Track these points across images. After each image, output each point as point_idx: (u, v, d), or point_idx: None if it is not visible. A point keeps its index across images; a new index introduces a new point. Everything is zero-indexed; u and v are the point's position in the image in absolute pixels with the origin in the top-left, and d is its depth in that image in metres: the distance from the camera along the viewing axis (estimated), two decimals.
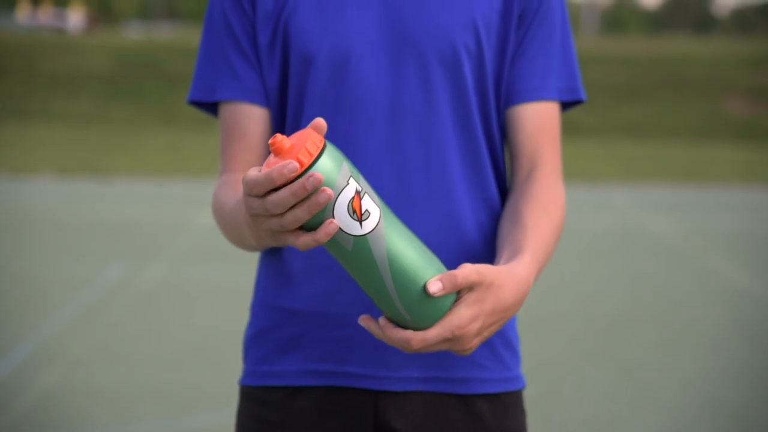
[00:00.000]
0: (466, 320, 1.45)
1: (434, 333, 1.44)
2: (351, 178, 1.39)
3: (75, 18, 58.72)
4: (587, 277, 8.72)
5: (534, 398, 5.29)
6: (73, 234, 10.19)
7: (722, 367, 6.03)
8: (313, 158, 1.36)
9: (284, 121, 1.77)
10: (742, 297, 7.99)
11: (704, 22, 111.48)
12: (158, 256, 9.05)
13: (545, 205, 1.69)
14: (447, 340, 1.45)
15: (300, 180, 1.34)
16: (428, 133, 1.69)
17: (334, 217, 1.38)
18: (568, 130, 23.77)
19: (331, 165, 1.37)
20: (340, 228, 1.39)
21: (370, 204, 1.40)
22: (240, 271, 7.89)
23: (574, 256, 9.44)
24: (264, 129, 1.77)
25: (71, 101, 27.25)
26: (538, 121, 1.75)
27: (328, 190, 1.35)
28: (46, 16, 59.17)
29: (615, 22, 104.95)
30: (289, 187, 1.34)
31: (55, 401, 5.17)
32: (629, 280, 8.59)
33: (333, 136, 1.69)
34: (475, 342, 1.48)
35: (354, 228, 1.40)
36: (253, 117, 1.76)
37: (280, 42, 1.72)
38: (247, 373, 1.79)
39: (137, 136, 22.62)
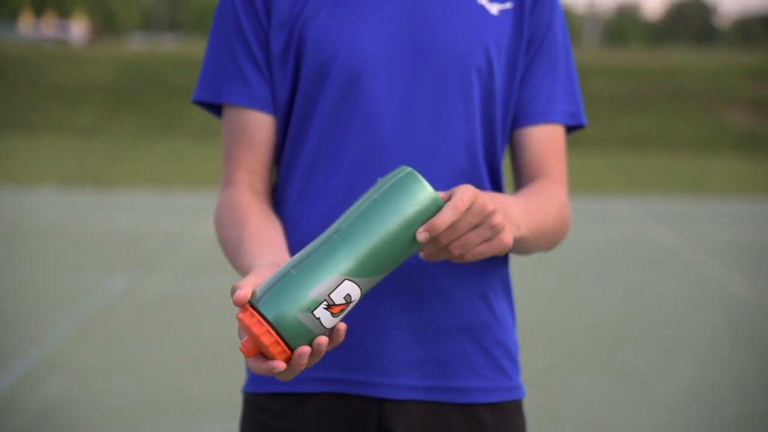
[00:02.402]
0: (469, 188, 1.50)
1: (461, 197, 1.47)
2: (312, 312, 1.41)
3: (78, 29, 58.82)
4: (589, 287, 8.71)
5: (535, 405, 5.29)
6: (76, 244, 10.20)
7: (721, 375, 6.03)
8: (283, 346, 1.40)
9: (287, 129, 1.78)
10: (742, 307, 7.99)
11: (706, 34, 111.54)
12: (161, 266, 9.06)
13: (543, 195, 1.74)
14: (472, 202, 1.48)
15: (293, 363, 1.41)
16: (435, 151, 1.72)
17: (335, 326, 1.44)
18: (571, 142, 23.64)
19: (298, 330, 1.41)
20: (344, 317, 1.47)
21: (342, 289, 1.43)
22: None
23: (576, 265, 9.44)
24: (271, 137, 1.77)
25: (74, 112, 27.28)
26: (544, 141, 1.80)
27: (319, 340, 1.42)
28: (49, 27, 59.28)
29: (617, 33, 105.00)
30: (290, 370, 1.42)
31: (57, 412, 5.18)
32: (631, 290, 8.59)
33: (343, 149, 1.71)
34: (500, 216, 1.51)
35: (350, 306, 1.44)
36: (261, 125, 1.76)
37: (293, 50, 1.73)
38: (251, 380, 1.79)
39: (140, 147, 22.65)
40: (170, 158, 20.48)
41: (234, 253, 1.66)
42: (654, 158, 23.67)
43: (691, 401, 5.58)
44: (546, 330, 6.97)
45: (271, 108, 1.76)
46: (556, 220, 1.73)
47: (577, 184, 16.44)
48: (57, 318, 7.05)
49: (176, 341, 6.60)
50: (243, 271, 1.60)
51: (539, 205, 1.69)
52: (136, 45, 49.97)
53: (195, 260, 9.47)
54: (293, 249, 1.73)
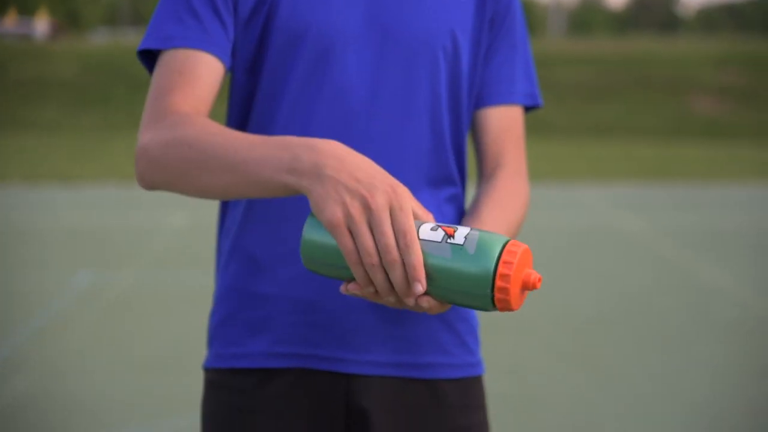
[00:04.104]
0: None
1: None
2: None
3: (42, 25, 58.39)
4: (558, 277, 8.74)
5: (510, 397, 5.32)
6: (42, 242, 10.13)
7: (693, 363, 6.07)
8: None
9: (252, 98, 1.74)
10: (709, 293, 8.05)
11: (670, 22, 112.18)
12: (129, 262, 9.02)
13: (504, 206, 1.74)
14: None
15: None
16: (403, 129, 1.73)
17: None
18: (538, 130, 23.85)
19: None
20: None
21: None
22: (212, 275, 7.86)
23: (544, 255, 9.47)
24: (217, 89, 1.68)
25: (38, 108, 27.10)
26: (503, 123, 1.83)
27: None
28: (11, 23, 58.81)
29: (581, 23, 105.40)
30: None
31: (25, 409, 5.14)
32: (599, 279, 8.64)
33: (312, 124, 1.70)
34: None
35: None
36: (215, 71, 1.67)
37: (262, 17, 1.70)
38: (215, 356, 1.77)
39: (105, 142, 22.53)
40: None
41: (237, 147, 1.47)
42: (619, 146, 23.80)
43: (665, 391, 5.61)
44: (517, 322, 6.99)
45: (229, 61, 1.69)
46: (520, 226, 1.76)
47: (543, 173, 16.52)
48: (24, 316, 7.00)
49: (146, 337, 6.57)
50: (240, 159, 1.46)
51: (510, 221, 1.70)
52: (100, 39, 49.63)
53: (163, 255, 9.43)
54: (257, 222, 1.72)
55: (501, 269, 1.36)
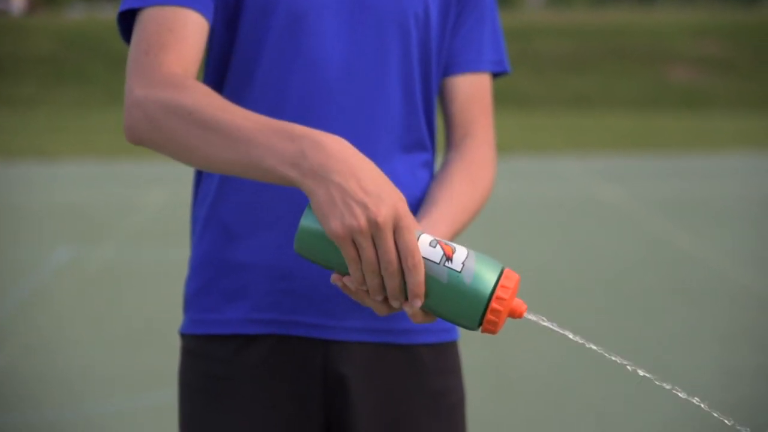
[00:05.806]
0: None
1: None
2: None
3: (18, 0, 57.95)
4: (537, 247, 8.78)
5: (486, 365, 5.35)
6: (20, 217, 10.10)
7: (670, 333, 6.12)
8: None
9: (229, 59, 1.73)
10: (688, 262, 8.09)
11: None
12: (107, 237, 9.00)
13: (473, 178, 1.76)
14: None
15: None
16: (377, 97, 1.74)
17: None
18: (517, 102, 23.87)
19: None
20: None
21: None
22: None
23: (523, 226, 9.51)
24: (203, 49, 1.65)
25: (15, 84, 26.93)
26: (471, 91, 1.84)
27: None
28: None
29: None
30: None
31: (3, 385, 5.15)
32: (578, 249, 8.67)
33: (288, 93, 1.70)
34: None
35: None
36: (202, 29, 1.64)
37: None
38: (192, 321, 1.77)
39: (83, 118, 22.42)
40: (114, 128, 20.29)
41: (240, 126, 1.43)
42: (598, 117, 23.83)
43: (642, 359, 5.65)
44: None
45: (212, 19, 1.67)
46: (488, 195, 1.78)
47: (522, 144, 16.53)
48: (3, 292, 6.99)
49: (125, 311, 6.57)
50: (245, 136, 1.41)
51: (469, 214, 1.72)
52: (76, 15, 49.22)
53: (142, 231, 9.41)
54: (232, 191, 1.72)
55: (494, 305, 1.39)
